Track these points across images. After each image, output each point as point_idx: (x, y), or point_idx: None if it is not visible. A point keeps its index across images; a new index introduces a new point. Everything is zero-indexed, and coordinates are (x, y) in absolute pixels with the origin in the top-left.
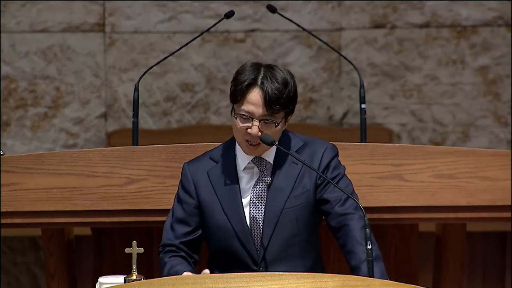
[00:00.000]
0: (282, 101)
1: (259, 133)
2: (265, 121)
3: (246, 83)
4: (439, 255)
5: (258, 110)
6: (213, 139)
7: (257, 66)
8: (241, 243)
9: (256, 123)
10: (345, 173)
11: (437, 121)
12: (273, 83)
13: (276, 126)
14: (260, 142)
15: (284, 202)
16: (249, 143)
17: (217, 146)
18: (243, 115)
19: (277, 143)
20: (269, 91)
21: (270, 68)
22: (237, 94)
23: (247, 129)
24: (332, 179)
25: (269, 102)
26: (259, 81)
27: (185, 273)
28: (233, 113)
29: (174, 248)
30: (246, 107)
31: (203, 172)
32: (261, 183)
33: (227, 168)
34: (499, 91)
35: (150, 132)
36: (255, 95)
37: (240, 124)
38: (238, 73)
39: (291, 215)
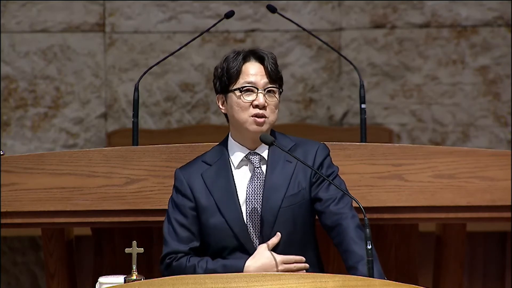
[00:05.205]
0: (278, 68)
1: (266, 103)
2: (269, 89)
3: (241, 57)
4: (439, 255)
5: (262, 78)
6: (213, 139)
7: (239, 50)
8: (240, 243)
9: (261, 92)
10: (344, 173)
11: (437, 121)
12: (264, 53)
13: (279, 93)
14: (267, 116)
15: (281, 201)
16: (257, 117)
17: (208, 150)
18: (247, 87)
19: (275, 141)
20: (267, 59)
21: (251, 48)
22: (233, 72)
23: (252, 102)
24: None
25: (270, 69)
26: (253, 54)
27: (247, 263)
28: (228, 96)
29: (186, 255)
30: (249, 78)
31: (197, 175)
32: (256, 180)
33: (222, 168)
34: (499, 91)
35: (150, 132)
36: (254, 66)
37: (245, 99)
38: (226, 58)
39: (288, 213)
